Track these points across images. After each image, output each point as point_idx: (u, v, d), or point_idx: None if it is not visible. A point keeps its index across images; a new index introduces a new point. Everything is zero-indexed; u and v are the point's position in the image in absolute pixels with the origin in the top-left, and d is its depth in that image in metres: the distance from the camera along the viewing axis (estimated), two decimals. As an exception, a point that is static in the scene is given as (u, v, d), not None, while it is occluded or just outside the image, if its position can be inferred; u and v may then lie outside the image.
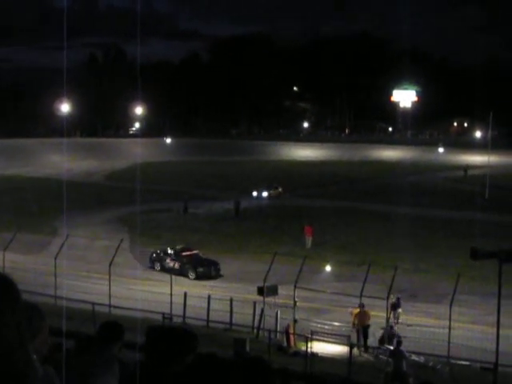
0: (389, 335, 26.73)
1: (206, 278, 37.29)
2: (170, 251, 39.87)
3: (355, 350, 25.83)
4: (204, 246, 43.13)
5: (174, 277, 33.66)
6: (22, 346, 2.25)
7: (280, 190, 69.55)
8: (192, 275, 37.90)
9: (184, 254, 39.37)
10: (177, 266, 38.32)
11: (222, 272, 38.92)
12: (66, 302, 26.40)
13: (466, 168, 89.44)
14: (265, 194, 67.72)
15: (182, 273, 37.85)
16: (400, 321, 30.48)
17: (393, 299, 29.87)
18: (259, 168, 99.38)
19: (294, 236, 47.24)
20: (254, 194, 67.33)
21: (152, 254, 40.11)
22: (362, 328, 27.58)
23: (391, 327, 27.49)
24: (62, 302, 25.77)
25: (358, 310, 28.05)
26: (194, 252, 39.95)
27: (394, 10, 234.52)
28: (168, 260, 39.12)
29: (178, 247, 40.55)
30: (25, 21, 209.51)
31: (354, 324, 27.85)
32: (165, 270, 37.76)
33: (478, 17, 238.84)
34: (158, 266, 39.46)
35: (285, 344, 26.98)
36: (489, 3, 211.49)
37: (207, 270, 38.14)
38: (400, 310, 30.86)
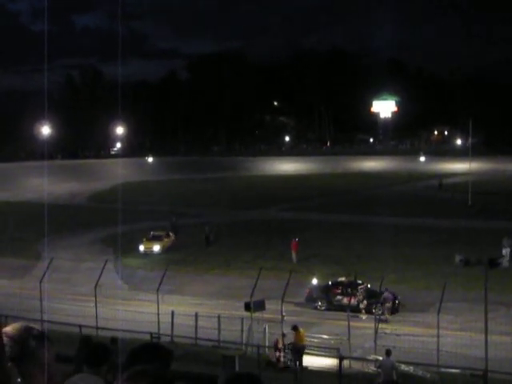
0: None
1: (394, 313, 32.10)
2: (339, 285, 34.99)
3: (345, 362, 25.78)
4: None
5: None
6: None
7: (172, 236, 52.37)
8: (379, 311, 31.42)
9: (360, 287, 34.49)
10: (353, 302, 32.63)
11: (212, 289, 38.65)
12: (52, 325, 26.23)
13: (441, 181, 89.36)
14: (157, 247, 49.62)
15: (359, 309, 33.08)
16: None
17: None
18: (242, 184, 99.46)
19: (280, 250, 47.21)
20: (141, 248, 49.33)
21: (311, 291, 35.26)
22: (297, 349, 26.74)
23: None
24: (49, 326, 25.56)
25: (294, 332, 27.19)
26: (367, 285, 35.02)
27: (370, 22, 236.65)
28: (339, 296, 34.29)
29: (342, 280, 35.75)
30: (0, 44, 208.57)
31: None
32: (334, 307, 33.78)
33: (454, 26, 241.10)
34: (323, 305, 34.62)
35: (274, 359, 26.86)
36: (463, 13, 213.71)
37: (396, 305, 33.02)
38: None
